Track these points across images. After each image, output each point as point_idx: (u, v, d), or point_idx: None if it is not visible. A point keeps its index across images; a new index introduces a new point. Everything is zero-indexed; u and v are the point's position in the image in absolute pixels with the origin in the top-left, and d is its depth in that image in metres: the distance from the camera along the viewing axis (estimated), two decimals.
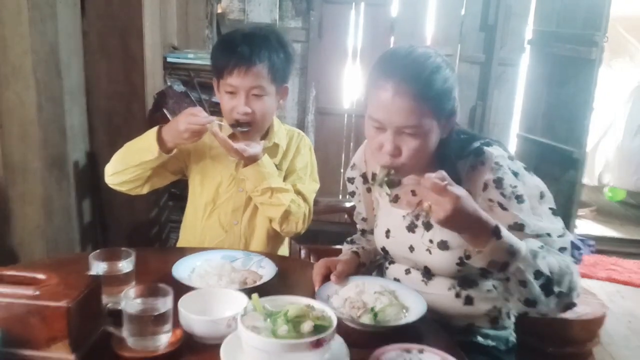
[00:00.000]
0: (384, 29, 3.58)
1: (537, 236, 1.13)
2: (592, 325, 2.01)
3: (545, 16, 3.67)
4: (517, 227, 1.13)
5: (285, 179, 1.64)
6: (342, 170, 3.79)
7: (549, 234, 1.14)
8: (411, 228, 1.28)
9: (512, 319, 1.35)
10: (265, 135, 1.63)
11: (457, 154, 1.21)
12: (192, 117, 1.42)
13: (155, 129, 1.49)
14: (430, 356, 1.02)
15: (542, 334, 1.90)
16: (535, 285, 1.06)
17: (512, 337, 1.35)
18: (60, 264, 1.40)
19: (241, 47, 1.47)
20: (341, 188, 3.81)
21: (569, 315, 1.97)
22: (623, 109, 4.50)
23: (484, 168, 1.17)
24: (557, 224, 1.17)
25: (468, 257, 1.09)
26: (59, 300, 0.93)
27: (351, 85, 3.71)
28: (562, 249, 1.14)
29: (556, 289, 1.08)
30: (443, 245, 1.21)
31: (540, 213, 1.16)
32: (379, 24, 3.58)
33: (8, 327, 0.93)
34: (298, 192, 1.61)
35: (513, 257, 1.04)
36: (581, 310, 2.01)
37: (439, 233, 1.22)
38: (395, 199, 1.34)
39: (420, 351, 1.02)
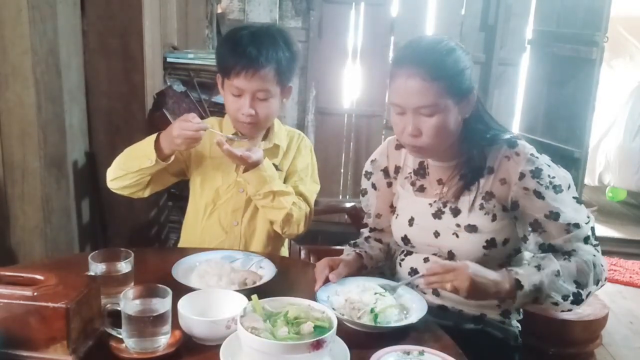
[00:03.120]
0: (384, 29, 3.58)
1: (568, 226, 1.20)
2: (594, 326, 2.01)
3: (545, 16, 3.67)
4: (553, 216, 1.20)
5: (286, 180, 1.63)
6: (342, 170, 3.79)
7: (577, 225, 1.21)
8: (438, 215, 1.31)
9: (520, 315, 1.38)
10: (265, 136, 1.63)
11: (488, 142, 1.28)
12: (185, 123, 1.41)
13: (154, 136, 1.48)
14: (430, 358, 1.01)
15: (543, 335, 1.90)
16: (567, 304, 1.18)
17: (520, 336, 1.37)
18: (59, 264, 1.40)
19: (249, 49, 1.44)
20: (341, 188, 3.81)
21: (570, 316, 1.98)
22: (623, 109, 4.50)
23: (520, 159, 1.24)
24: (583, 211, 1.25)
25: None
26: (57, 301, 0.92)
27: (351, 85, 3.70)
28: (586, 239, 1.22)
29: (584, 294, 1.19)
30: (471, 229, 1.26)
31: (568, 203, 1.23)
32: (379, 24, 3.57)
33: (7, 328, 0.93)
34: (299, 194, 1.60)
35: (539, 292, 1.15)
36: (582, 310, 2.01)
37: (468, 218, 1.26)
38: (421, 189, 1.36)
39: (421, 353, 1.02)
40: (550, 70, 3.63)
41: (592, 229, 1.25)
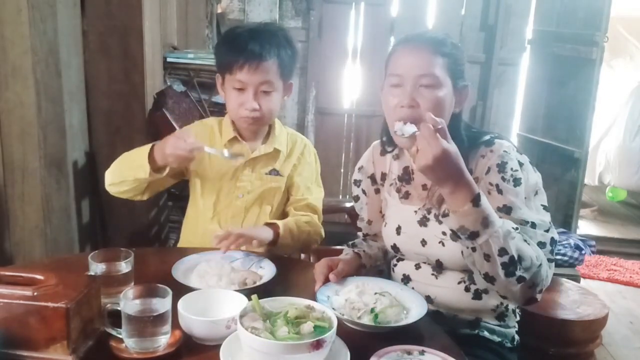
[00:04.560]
0: (384, 29, 3.58)
1: (522, 223, 1.15)
2: (594, 326, 2.01)
3: (545, 16, 3.67)
4: (505, 210, 1.16)
5: (292, 190, 1.64)
6: (342, 170, 3.79)
7: (533, 225, 1.16)
8: (423, 222, 1.29)
9: (517, 317, 1.36)
10: (265, 139, 1.62)
11: (469, 145, 1.25)
12: (179, 141, 1.36)
13: (148, 146, 1.45)
14: (431, 357, 1.01)
15: (543, 335, 1.90)
16: (498, 262, 1.07)
17: (517, 337, 1.36)
18: (59, 264, 1.40)
19: (251, 43, 1.46)
20: (341, 188, 3.81)
21: (570, 316, 1.98)
22: (623, 109, 4.50)
23: (492, 155, 1.21)
24: (545, 218, 1.20)
25: (446, 215, 1.10)
26: (57, 300, 0.92)
27: (351, 85, 3.70)
28: (540, 244, 1.16)
29: (517, 273, 1.08)
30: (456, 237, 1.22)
31: (531, 205, 1.19)
32: (379, 24, 3.57)
33: (6, 328, 0.93)
34: (310, 207, 1.63)
35: (485, 228, 1.06)
36: (582, 310, 2.01)
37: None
38: (406, 196, 1.35)
39: (421, 352, 1.02)
40: (550, 70, 3.63)
41: (552, 240, 1.17)
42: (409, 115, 1.19)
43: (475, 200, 1.04)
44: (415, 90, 1.20)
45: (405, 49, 1.24)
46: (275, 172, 1.59)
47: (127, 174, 1.47)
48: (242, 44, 1.46)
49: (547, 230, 1.18)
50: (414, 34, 1.28)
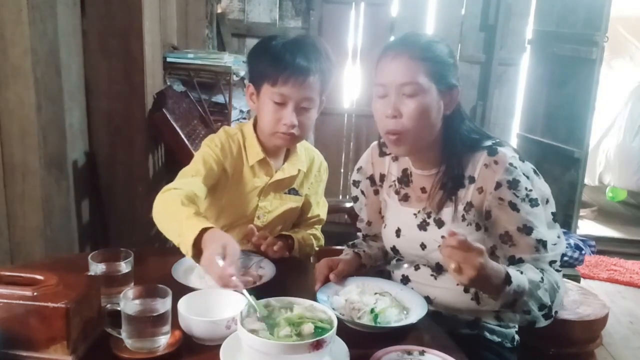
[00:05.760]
0: (384, 29, 3.58)
1: (538, 243, 1.18)
2: (594, 326, 2.00)
3: (545, 16, 3.67)
4: (526, 230, 1.17)
5: (305, 205, 1.63)
6: (342, 170, 3.79)
7: (545, 244, 1.19)
8: (423, 226, 1.29)
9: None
10: (286, 157, 1.57)
11: (468, 148, 1.25)
12: (224, 282, 1.13)
13: (196, 228, 1.20)
14: (431, 357, 1.01)
15: (543, 335, 1.89)
16: (539, 315, 1.17)
17: (517, 336, 1.36)
18: (59, 264, 1.40)
19: (299, 56, 1.40)
20: (341, 188, 3.80)
21: (570, 316, 1.97)
22: (623, 109, 4.50)
23: (498, 167, 1.20)
24: (554, 231, 1.23)
25: (478, 298, 1.22)
26: (57, 300, 0.92)
27: (351, 85, 3.70)
28: (552, 262, 1.21)
29: (553, 311, 1.19)
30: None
31: (543, 218, 1.21)
32: (379, 23, 3.57)
33: (7, 328, 0.93)
34: (320, 221, 1.65)
35: (520, 295, 1.12)
36: (583, 311, 2.00)
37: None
38: (405, 198, 1.35)
39: (421, 353, 1.02)
40: (550, 70, 3.63)
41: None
42: (392, 126, 1.21)
43: (508, 280, 1.09)
44: (398, 99, 1.20)
45: (387, 57, 1.22)
46: (294, 192, 1.57)
47: (171, 236, 1.29)
48: (289, 57, 1.39)
49: (555, 244, 1.22)
50: (397, 39, 1.28)
